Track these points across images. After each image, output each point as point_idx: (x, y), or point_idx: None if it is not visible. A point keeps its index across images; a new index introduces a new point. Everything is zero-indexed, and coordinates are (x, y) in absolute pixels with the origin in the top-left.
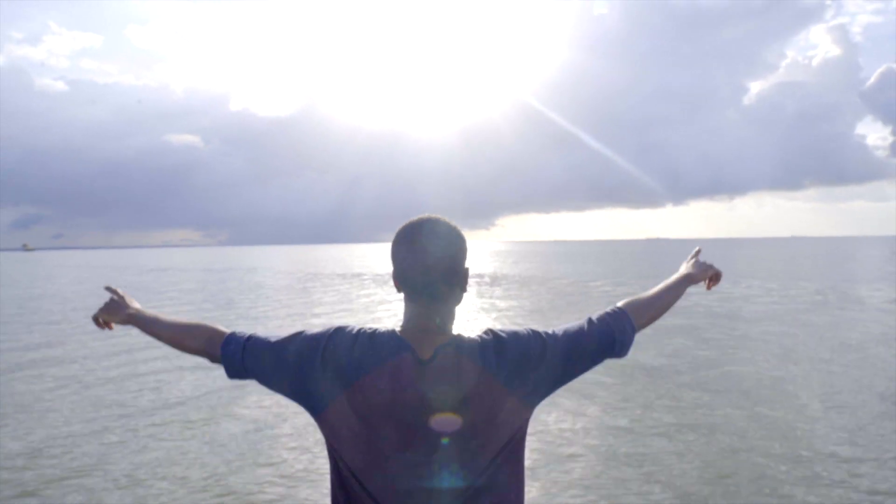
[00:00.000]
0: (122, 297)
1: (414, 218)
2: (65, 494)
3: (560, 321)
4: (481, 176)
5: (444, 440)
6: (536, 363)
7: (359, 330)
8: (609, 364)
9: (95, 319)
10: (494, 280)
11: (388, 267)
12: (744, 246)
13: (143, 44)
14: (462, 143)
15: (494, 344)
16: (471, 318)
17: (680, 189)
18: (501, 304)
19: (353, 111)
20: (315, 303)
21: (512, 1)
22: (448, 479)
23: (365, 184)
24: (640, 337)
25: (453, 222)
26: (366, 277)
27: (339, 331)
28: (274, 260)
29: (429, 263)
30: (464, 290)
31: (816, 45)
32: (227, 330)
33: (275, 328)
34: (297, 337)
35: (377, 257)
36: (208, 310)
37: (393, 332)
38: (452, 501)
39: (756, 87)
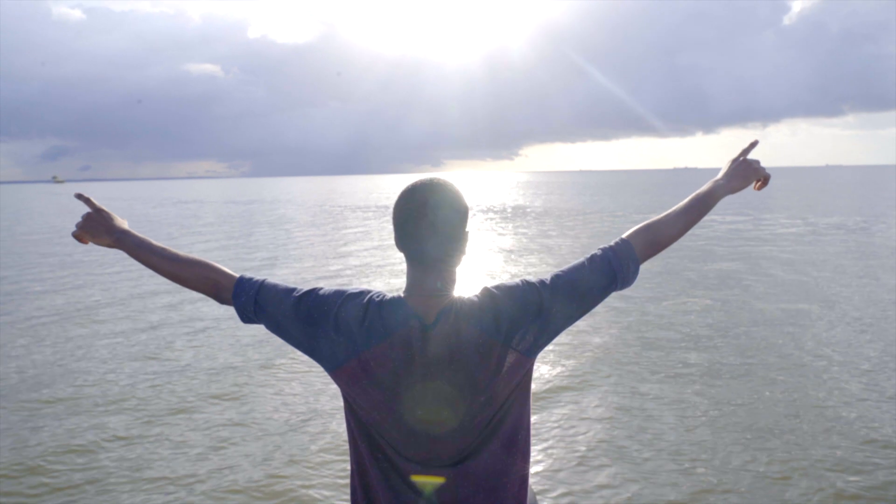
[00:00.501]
0: (100, 212)
1: (416, 181)
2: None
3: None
4: (505, 104)
5: (455, 399)
6: (534, 317)
7: (369, 299)
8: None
9: (76, 236)
10: (517, 213)
11: None
12: (776, 176)
13: None
14: (485, 71)
15: (491, 305)
16: (491, 259)
17: (711, 117)
18: (527, 241)
19: (373, 37)
20: (341, 239)
21: None
22: (464, 426)
23: (386, 113)
24: (647, 286)
25: (455, 186)
26: (390, 210)
27: (351, 298)
28: (297, 192)
29: (430, 229)
30: (464, 252)
31: None
32: (233, 272)
33: (282, 278)
34: (310, 295)
35: (400, 189)
36: (232, 247)
37: (400, 298)
38: (472, 440)
39: (798, 5)
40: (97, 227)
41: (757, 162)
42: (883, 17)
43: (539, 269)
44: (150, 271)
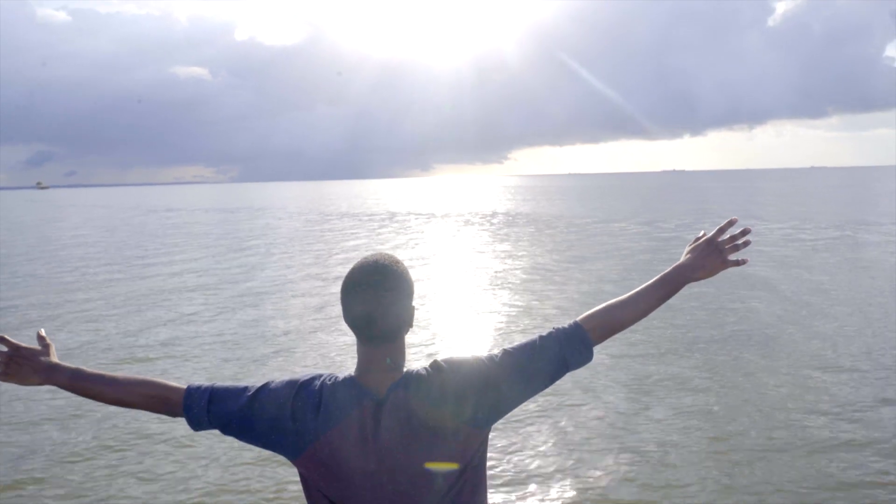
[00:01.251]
0: (20, 351)
1: (359, 262)
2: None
3: (578, 270)
4: (493, 107)
5: (410, 478)
6: (481, 392)
7: (321, 384)
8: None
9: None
10: (509, 221)
11: (400, 205)
12: (762, 178)
13: None
14: (473, 73)
15: (439, 379)
16: (482, 272)
17: (698, 119)
18: (515, 250)
19: (361, 39)
20: (327, 253)
21: None
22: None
23: (375, 116)
24: None
25: (399, 263)
26: (380, 216)
27: (304, 387)
28: (284, 198)
29: (375, 311)
30: (411, 325)
31: None
32: (180, 385)
33: (233, 377)
34: (263, 391)
35: (389, 194)
36: (217, 266)
37: (352, 378)
38: None
39: (782, 6)
40: (20, 371)
41: (730, 246)
42: (864, 20)
43: (515, 303)
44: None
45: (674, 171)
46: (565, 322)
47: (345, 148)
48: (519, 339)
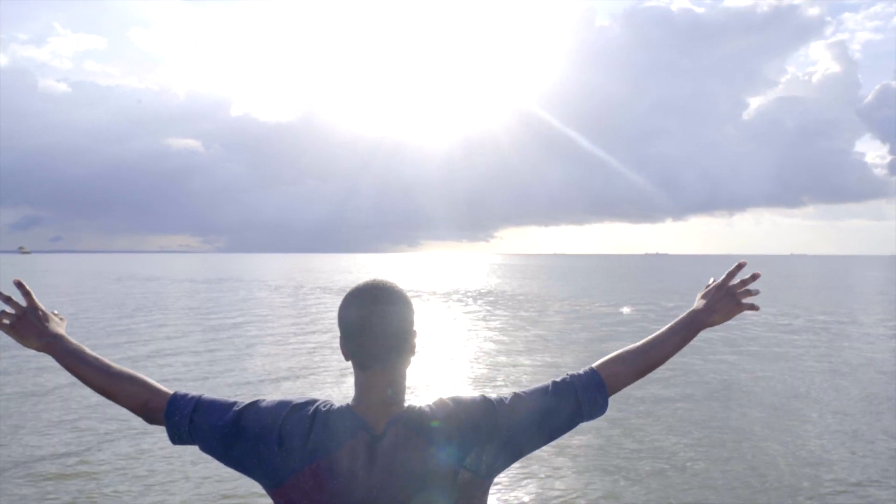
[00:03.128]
0: (35, 310)
1: (360, 283)
2: None
3: (563, 352)
4: (481, 186)
5: None
6: (489, 437)
7: (315, 410)
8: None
9: (3, 329)
10: (497, 300)
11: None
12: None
13: (146, 46)
14: (462, 153)
15: (444, 418)
16: (468, 346)
17: (679, 204)
18: (503, 326)
19: (353, 118)
20: (309, 327)
21: (514, 10)
22: None
23: (364, 192)
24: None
25: (399, 286)
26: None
27: (296, 410)
28: (270, 269)
29: (378, 332)
30: (413, 353)
31: (816, 61)
32: (167, 389)
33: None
34: (252, 408)
35: (376, 268)
36: (194, 333)
37: (348, 407)
38: None
39: (755, 102)
40: (28, 328)
41: (742, 290)
42: (833, 116)
43: (499, 375)
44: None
45: (657, 254)
46: (580, 369)
47: (333, 222)
48: (530, 385)
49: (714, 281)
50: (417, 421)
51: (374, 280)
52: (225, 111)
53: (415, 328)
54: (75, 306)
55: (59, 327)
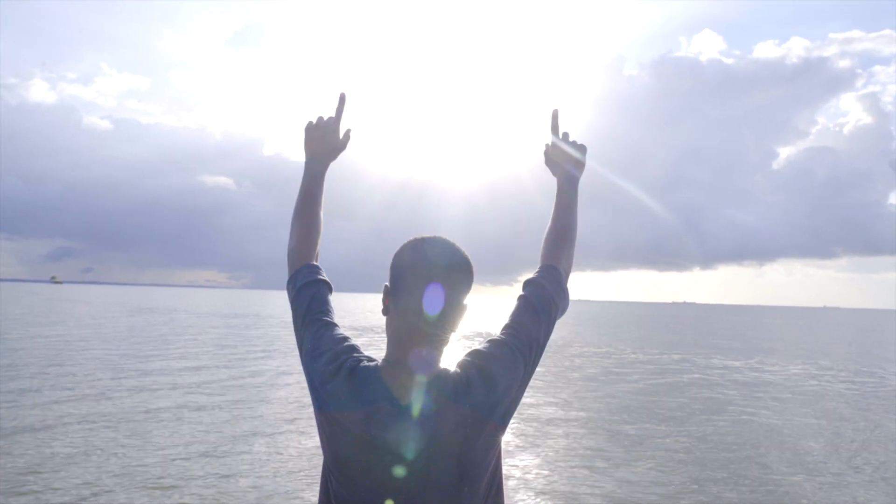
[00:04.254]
0: (335, 132)
1: (424, 237)
2: None
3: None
4: (505, 230)
5: (423, 493)
6: (517, 388)
7: (342, 363)
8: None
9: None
10: None
11: None
12: (774, 314)
13: (186, 87)
14: (487, 197)
15: (480, 377)
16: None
17: (707, 253)
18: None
19: (380, 159)
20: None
21: (543, 56)
22: None
23: (390, 233)
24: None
25: (465, 252)
26: (380, 331)
27: (327, 358)
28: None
29: (435, 290)
30: (454, 328)
31: (847, 112)
32: (309, 265)
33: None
34: (322, 334)
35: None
36: (195, 357)
37: (375, 368)
38: None
39: (785, 152)
40: (324, 135)
41: (567, 147)
42: (865, 167)
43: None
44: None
45: (684, 302)
46: (535, 273)
47: (359, 261)
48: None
49: (548, 148)
50: (452, 386)
51: (441, 237)
52: (258, 150)
53: (466, 302)
54: (84, 333)
55: (335, 155)
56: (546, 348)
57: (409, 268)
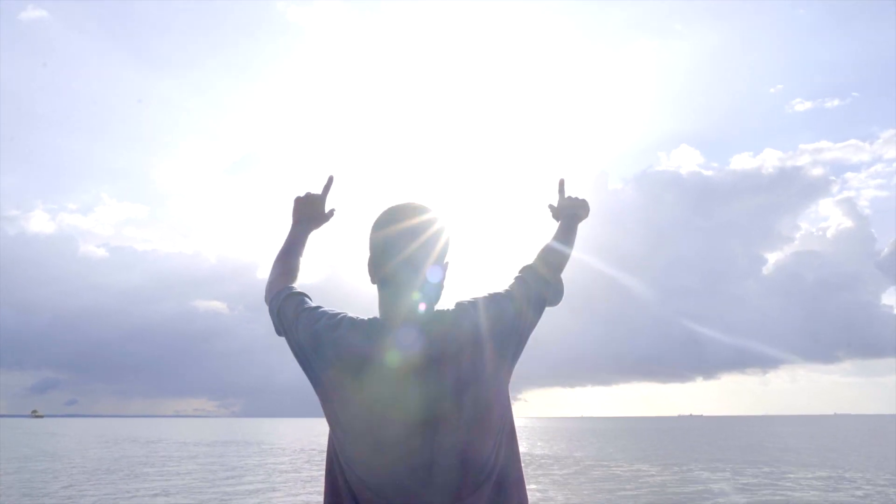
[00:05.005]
0: (319, 207)
1: (397, 204)
2: None
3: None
4: None
5: (434, 411)
6: (511, 325)
7: (341, 318)
8: None
9: (305, 195)
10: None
11: None
12: (784, 424)
13: (184, 213)
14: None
15: (480, 305)
16: None
17: (708, 362)
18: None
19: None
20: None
21: (531, 179)
22: (445, 459)
23: None
24: None
25: (434, 211)
26: None
27: (326, 318)
28: (280, 434)
29: (418, 246)
30: (443, 280)
31: (827, 217)
32: (289, 286)
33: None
34: (316, 309)
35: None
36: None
37: (376, 319)
38: (453, 487)
39: (773, 257)
40: (308, 207)
41: (574, 199)
42: (853, 269)
43: None
44: None
45: (690, 415)
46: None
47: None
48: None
49: (558, 203)
50: (448, 316)
51: (411, 202)
52: (252, 274)
53: (447, 260)
54: (48, 466)
55: (317, 228)
56: (545, 464)
57: (389, 234)
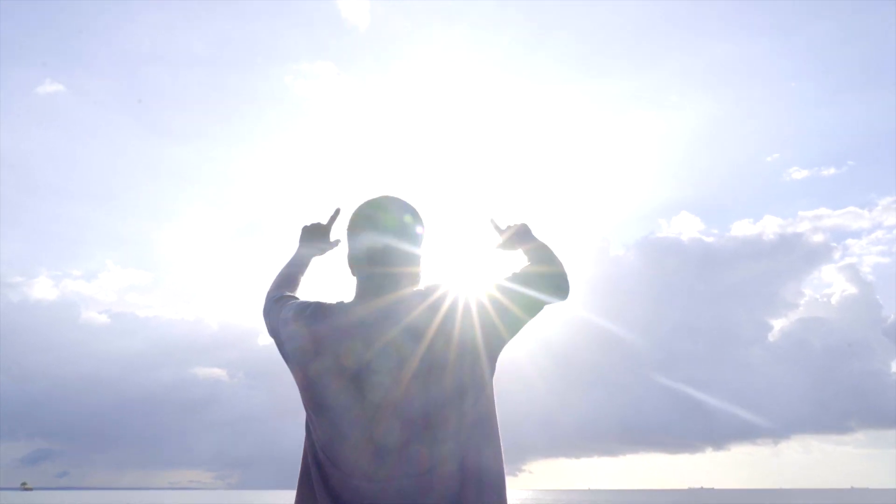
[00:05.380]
0: (326, 235)
1: (370, 198)
2: None
3: None
4: (506, 416)
5: (392, 387)
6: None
7: (309, 303)
8: None
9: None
10: None
11: None
12: (801, 498)
13: (186, 280)
14: None
15: (430, 295)
16: None
17: (717, 432)
18: None
19: None
20: None
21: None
22: (397, 435)
23: None
24: None
25: (409, 203)
26: None
27: (296, 303)
28: None
29: (391, 229)
30: (419, 266)
31: (831, 283)
32: (281, 293)
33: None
34: (293, 299)
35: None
36: None
37: (342, 301)
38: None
39: (778, 324)
40: (315, 236)
41: (509, 226)
42: (860, 336)
43: None
44: None
45: (701, 488)
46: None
47: None
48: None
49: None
50: (418, 295)
51: (385, 196)
52: (252, 340)
53: (418, 252)
54: None
55: (322, 255)
56: None
57: (364, 219)
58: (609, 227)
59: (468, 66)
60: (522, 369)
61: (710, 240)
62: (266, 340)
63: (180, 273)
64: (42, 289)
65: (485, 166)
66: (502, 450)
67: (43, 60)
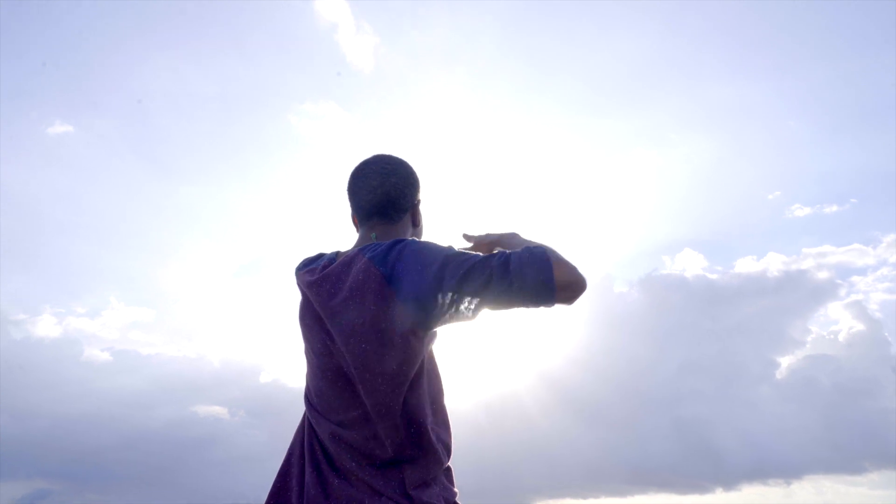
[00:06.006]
0: None
1: (362, 159)
2: None
3: None
4: (510, 456)
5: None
6: (433, 275)
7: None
8: None
9: None
10: None
11: None
12: None
13: (189, 317)
14: (486, 419)
15: (400, 247)
16: None
17: (726, 472)
18: None
19: None
20: None
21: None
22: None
23: None
24: None
25: (401, 158)
26: None
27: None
28: None
29: (380, 186)
30: (415, 221)
31: (838, 320)
32: None
33: None
34: None
35: None
36: None
37: (336, 251)
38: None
39: (786, 361)
40: None
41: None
42: (870, 373)
43: None
44: None
45: None
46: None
47: None
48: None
49: (476, 242)
50: (374, 248)
51: (379, 154)
52: (254, 378)
53: (418, 200)
54: None
55: None
56: None
57: (353, 198)
58: (612, 264)
59: (470, 106)
60: (525, 405)
61: (714, 276)
62: (268, 378)
63: (183, 310)
64: (45, 326)
65: (486, 204)
66: (426, 394)
67: (52, 100)
